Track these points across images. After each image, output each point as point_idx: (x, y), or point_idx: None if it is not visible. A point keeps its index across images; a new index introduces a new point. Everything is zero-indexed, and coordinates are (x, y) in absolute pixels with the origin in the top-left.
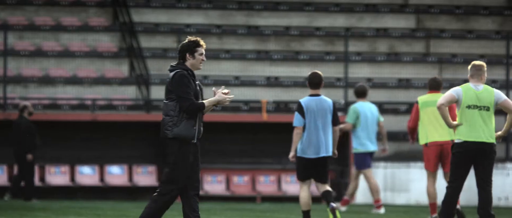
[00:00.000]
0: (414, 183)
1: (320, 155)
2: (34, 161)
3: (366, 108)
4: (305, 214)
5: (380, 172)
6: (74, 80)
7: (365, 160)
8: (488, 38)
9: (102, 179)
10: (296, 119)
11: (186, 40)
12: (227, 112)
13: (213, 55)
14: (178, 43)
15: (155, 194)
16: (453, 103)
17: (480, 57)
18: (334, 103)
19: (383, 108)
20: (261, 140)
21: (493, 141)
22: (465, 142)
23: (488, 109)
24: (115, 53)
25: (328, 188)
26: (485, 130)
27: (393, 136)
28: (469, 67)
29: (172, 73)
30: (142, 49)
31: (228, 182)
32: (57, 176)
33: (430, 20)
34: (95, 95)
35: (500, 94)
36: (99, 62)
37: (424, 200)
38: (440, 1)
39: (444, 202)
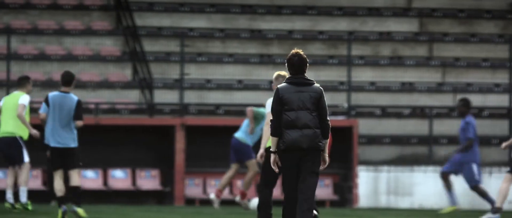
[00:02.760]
0: (417, 187)
1: (62, 146)
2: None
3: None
4: (60, 200)
5: (383, 176)
6: (77, 84)
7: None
8: (491, 41)
9: (105, 182)
10: (42, 107)
11: (301, 53)
12: (230, 115)
13: (216, 59)
14: (181, 47)
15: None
16: None
17: (483, 61)
18: (79, 101)
19: (386, 111)
20: None
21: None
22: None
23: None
24: (118, 57)
25: (77, 183)
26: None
27: (397, 140)
28: (274, 77)
29: (318, 89)
30: (145, 53)
31: (231, 186)
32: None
33: (433, 23)
34: (98, 99)
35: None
36: (102, 66)
37: (427, 203)
38: (443, 5)
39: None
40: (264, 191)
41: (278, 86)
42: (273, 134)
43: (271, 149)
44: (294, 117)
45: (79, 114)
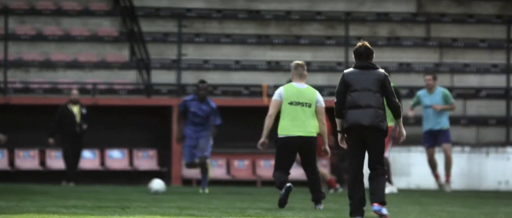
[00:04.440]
0: (414, 167)
1: None
2: (61, 146)
3: None
4: None
5: None
6: (74, 65)
7: None
8: (488, 22)
9: (102, 163)
10: None
11: (367, 44)
12: (227, 96)
13: (213, 39)
14: (179, 27)
15: (374, 172)
16: (280, 107)
17: (481, 41)
18: None
19: None
20: (262, 124)
21: (312, 134)
22: (287, 136)
23: (309, 106)
24: (116, 37)
25: None
26: (306, 124)
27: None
28: (293, 66)
29: (382, 73)
30: (143, 34)
31: (228, 166)
32: (59, 160)
33: (431, 4)
34: (96, 80)
35: (320, 98)
36: (100, 47)
37: (424, 184)
38: None
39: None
40: (276, 171)
41: (345, 71)
42: (337, 115)
43: (338, 129)
44: (357, 96)
45: None
